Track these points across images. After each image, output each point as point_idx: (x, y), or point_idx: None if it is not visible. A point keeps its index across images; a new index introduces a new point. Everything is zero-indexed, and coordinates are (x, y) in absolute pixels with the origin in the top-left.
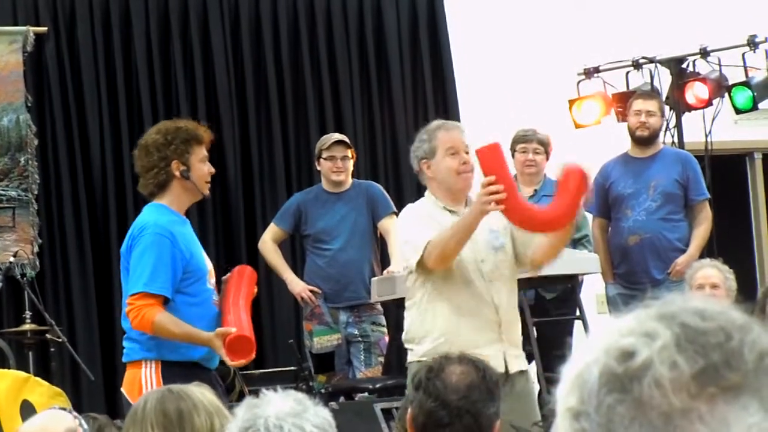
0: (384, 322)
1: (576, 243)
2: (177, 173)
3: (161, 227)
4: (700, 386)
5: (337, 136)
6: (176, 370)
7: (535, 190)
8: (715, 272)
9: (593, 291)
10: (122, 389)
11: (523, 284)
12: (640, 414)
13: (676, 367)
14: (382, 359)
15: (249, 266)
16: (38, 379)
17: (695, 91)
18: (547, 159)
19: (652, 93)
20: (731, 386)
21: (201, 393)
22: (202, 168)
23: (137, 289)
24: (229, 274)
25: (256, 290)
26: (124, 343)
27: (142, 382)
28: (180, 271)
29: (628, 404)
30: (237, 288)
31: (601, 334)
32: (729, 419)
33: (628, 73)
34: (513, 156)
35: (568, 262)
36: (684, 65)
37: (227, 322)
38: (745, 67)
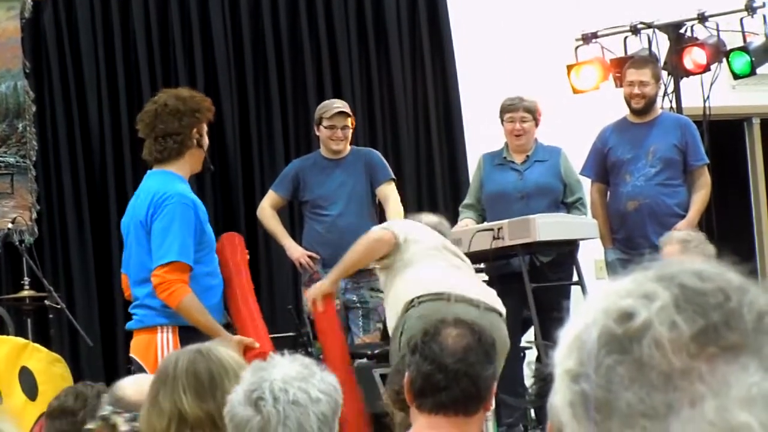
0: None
1: (570, 207)
2: (194, 141)
3: (185, 196)
4: (699, 346)
5: (339, 105)
6: (193, 334)
7: (527, 156)
8: (676, 245)
9: (592, 257)
10: (132, 355)
11: (522, 249)
12: (640, 375)
13: (676, 328)
14: (380, 325)
15: (235, 233)
16: (37, 345)
17: (693, 57)
18: (537, 125)
19: (646, 60)
20: (731, 346)
21: (229, 354)
22: (206, 138)
23: (169, 258)
24: (218, 244)
25: (248, 255)
26: (136, 310)
27: (158, 347)
28: (196, 241)
29: (627, 365)
30: (237, 268)
31: (599, 296)
32: (729, 379)
33: (626, 38)
34: (502, 124)
35: (567, 227)
36: (682, 30)
37: (246, 328)
38: (743, 32)
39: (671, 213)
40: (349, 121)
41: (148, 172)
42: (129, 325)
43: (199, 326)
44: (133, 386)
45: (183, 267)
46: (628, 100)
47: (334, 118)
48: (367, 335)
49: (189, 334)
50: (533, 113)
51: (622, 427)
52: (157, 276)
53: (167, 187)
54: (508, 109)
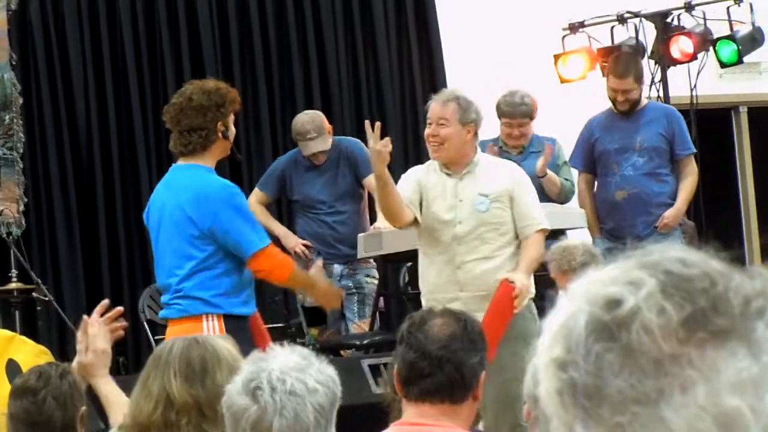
0: (377, 275)
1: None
2: (219, 134)
3: (231, 185)
4: (689, 331)
5: (313, 137)
6: (237, 323)
7: (523, 147)
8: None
9: None
10: None
11: None
12: (630, 361)
13: (664, 313)
14: (369, 311)
15: None
16: (23, 337)
17: (680, 45)
18: (532, 120)
19: (627, 65)
20: (720, 331)
21: (226, 348)
22: (233, 128)
23: (259, 245)
24: None
25: None
26: (179, 301)
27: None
28: None
29: (617, 352)
30: None
31: (583, 285)
32: (718, 364)
33: (613, 27)
34: (499, 119)
35: (555, 217)
36: (669, 19)
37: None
38: (730, 21)
39: (659, 202)
40: (327, 143)
41: (175, 165)
42: (168, 314)
43: (302, 285)
44: None
45: (269, 248)
46: (613, 102)
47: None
48: (362, 321)
49: (233, 323)
50: (531, 115)
51: (613, 413)
52: (255, 264)
53: (209, 182)
54: (505, 113)
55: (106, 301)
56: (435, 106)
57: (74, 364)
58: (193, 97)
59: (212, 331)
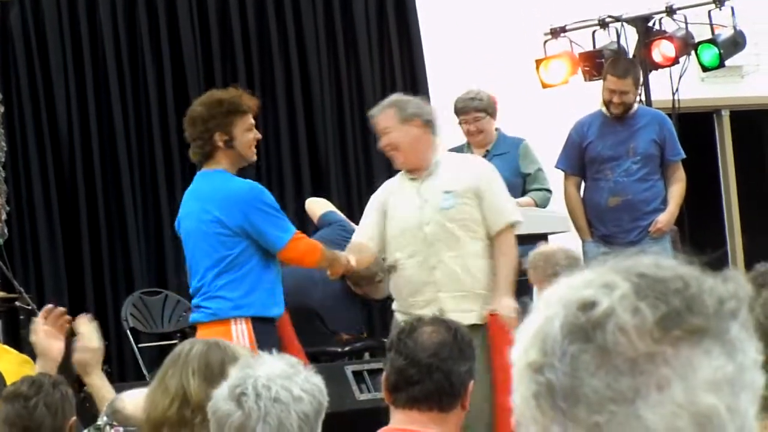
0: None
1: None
2: (221, 143)
3: (257, 185)
4: (663, 330)
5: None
6: (263, 326)
7: (487, 151)
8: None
9: None
10: None
11: None
12: (606, 361)
13: (639, 313)
14: None
15: None
16: (6, 346)
17: (662, 50)
18: (494, 117)
19: (627, 68)
20: (694, 330)
21: (244, 354)
22: (246, 136)
23: (287, 238)
24: None
25: None
26: (208, 303)
27: (234, 339)
28: None
29: (592, 352)
30: None
31: (557, 291)
32: (693, 362)
33: (594, 32)
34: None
35: (537, 221)
36: (650, 23)
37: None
38: (711, 25)
39: (651, 208)
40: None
41: (198, 173)
42: (198, 318)
43: (328, 264)
44: (133, 400)
45: (295, 238)
46: (607, 104)
47: None
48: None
49: (260, 326)
50: (486, 110)
51: (591, 413)
52: (285, 255)
53: (234, 184)
54: (460, 111)
55: (49, 306)
56: (375, 120)
57: (38, 368)
58: (193, 110)
59: (241, 335)
